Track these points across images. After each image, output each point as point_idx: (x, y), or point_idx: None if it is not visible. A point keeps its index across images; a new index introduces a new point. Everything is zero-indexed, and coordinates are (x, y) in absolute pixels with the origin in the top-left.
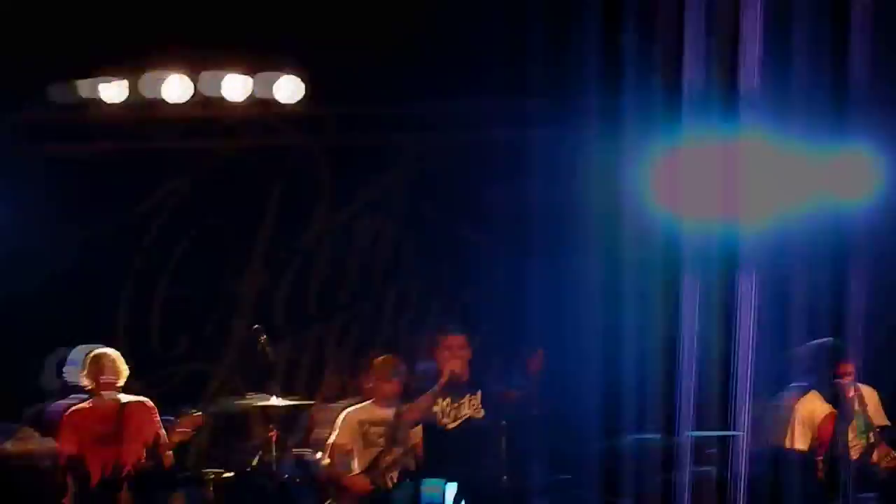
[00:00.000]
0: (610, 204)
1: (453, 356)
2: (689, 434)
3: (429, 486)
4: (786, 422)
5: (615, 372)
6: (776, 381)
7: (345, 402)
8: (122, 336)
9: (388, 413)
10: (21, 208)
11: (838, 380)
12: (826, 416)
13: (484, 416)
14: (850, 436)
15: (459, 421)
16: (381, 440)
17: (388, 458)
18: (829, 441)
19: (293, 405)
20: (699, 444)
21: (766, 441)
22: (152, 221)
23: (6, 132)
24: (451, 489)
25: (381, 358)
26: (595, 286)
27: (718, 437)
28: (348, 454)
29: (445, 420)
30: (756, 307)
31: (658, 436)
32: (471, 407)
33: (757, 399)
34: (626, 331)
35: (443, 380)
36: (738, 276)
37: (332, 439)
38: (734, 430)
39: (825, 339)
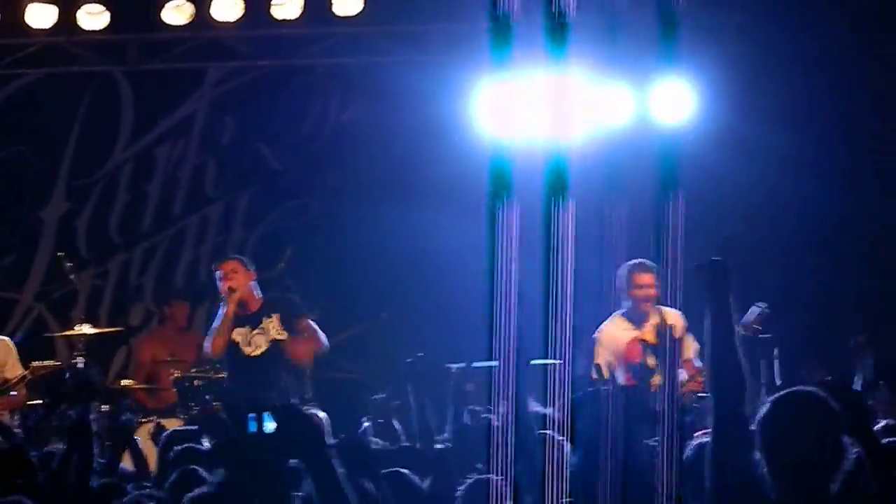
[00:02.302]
0: (427, 130)
1: (226, 281)
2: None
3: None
4: (595, 350)
5: (434, 298)
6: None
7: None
8: None
9: None
10: None
11: (634, 292)
12: (632, 339)
13: (287, 337)
14: (651, 360)
15: (266, 346)
16: None
17: None
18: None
19: (99, 333)
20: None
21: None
22: None
23: None
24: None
25: None
26: (408, 213)
27: (540, 367)
28: None
29: (248, 348)
30: (574, 234)
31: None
32: (274, 330)
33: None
34: (446, 257)
35: (228, 309)
36: (557, 203)
37: None
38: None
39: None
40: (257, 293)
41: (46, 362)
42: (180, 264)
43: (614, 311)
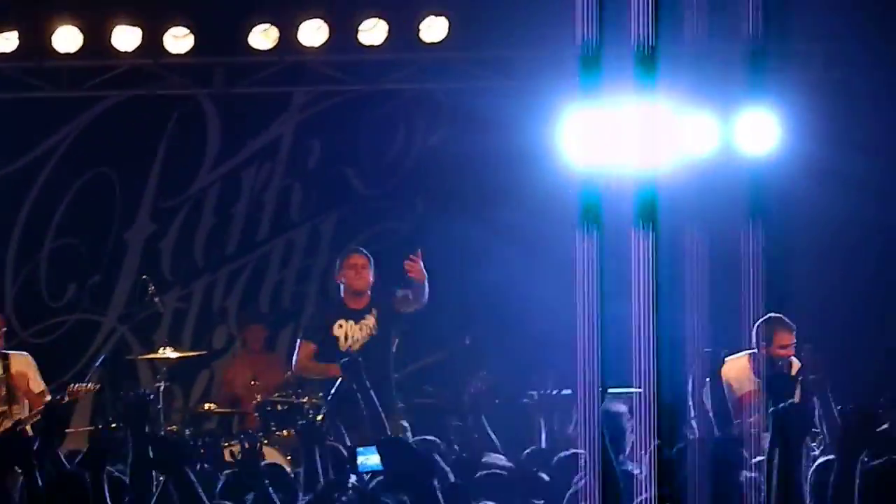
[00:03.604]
0: (514, 156)
1: (357, 276)
2: (600, 389)
3: (364, 455)
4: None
5: (518, 324)
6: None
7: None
8: (10, 286)
9: None
10: None
11: (774, 350)
12: (752, 391)
13: (378, 332)
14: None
15: (364, 341)
16: None
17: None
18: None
19: (182, 357)
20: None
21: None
22: (39, 171)
23: None
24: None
25: None
26: (494, 239)
27: (624, 394)
28: None
29: (346, 343)
30: (654, 263)
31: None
32: (372, 326)
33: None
34: (531, 283)
35: (330, 372)
36: (639, 232)
37: None
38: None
39: (768, 315)
40: (370, 293)
41: (83, 385)
42: (264, 287)
43: (696, 337)
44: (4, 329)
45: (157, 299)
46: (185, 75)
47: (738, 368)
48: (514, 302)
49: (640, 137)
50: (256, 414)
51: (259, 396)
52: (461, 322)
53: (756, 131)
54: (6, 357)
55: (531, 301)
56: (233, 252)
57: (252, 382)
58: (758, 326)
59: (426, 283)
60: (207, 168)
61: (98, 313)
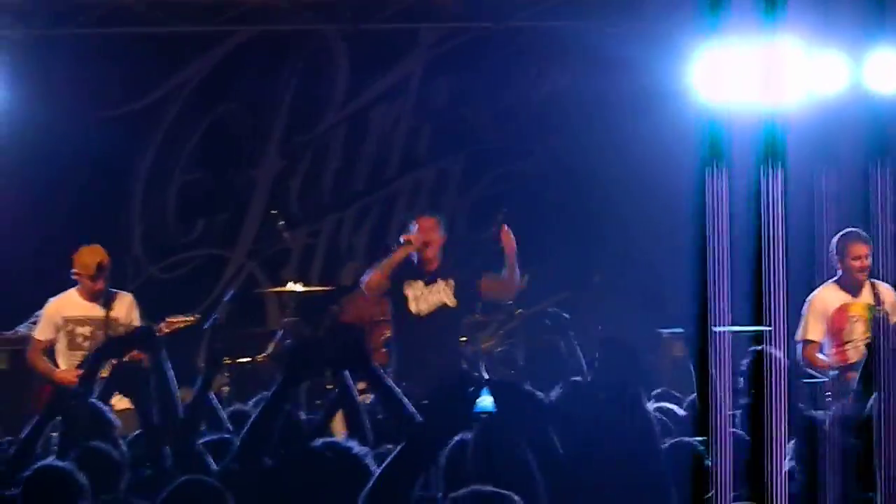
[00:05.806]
0: (641, 96)
1: (423, 235)
2: (716, 329)
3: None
4: (804, 314)
5: (647, 262)
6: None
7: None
8: (139, 221)
9: (95, 309)
10: (38, 91)
11: (850, 262)
12: (840, 306)
13: (458, 306)
14: (861, 329)
15: (433, 307)
16: (87, 344)
17: None
18: (841, 331)
19: (310, 291)
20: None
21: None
22: (168, 106)
23: (25, 16)
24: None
25: (86, 248)
26: (622, 179)
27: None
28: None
29: (415, 306)
30: (784, 201)
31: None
32: (445, 294)
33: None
34: (659, 222)
35: (396, 255)
36: (769, 170)
37: (35, 332)
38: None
39: (845, 230)
40: (440, 256)
41: (180, 317)
42: (393, 225)
43: (825, 278)
44: (108, 266)
45: (285, 235)
46: (314, 12)
47: (823, 293)
48: (641, 240)
49: (768, 76)
50: (385, 350)
51: (388, 332)
52: (589, 263)
53: (885, 71)
54: (110, 296)
55: (658, 240)
56: (361, 190)
57: (381, 318)
58: (834, 241)
59: (517, 268)
60: (337, 105)
61: (226, 249)
